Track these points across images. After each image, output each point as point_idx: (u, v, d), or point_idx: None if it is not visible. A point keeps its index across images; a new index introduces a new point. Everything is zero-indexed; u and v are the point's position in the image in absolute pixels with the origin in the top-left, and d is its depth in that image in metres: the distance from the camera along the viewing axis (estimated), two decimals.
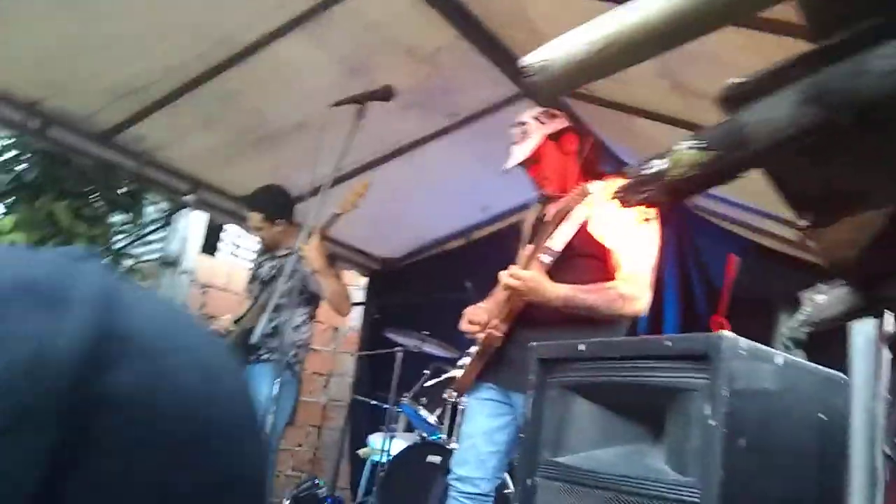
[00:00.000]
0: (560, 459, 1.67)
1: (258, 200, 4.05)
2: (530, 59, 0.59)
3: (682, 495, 1.40)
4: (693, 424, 1.42)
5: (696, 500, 1.36)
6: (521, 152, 2.62)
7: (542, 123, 2.64)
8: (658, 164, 0.59)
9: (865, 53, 0.53)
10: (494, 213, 5.49)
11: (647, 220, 2.50)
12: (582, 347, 1.70)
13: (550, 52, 0.57)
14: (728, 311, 3.78)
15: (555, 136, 2.66)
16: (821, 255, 0.93)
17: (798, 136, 0.55)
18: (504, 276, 2.43)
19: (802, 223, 0.76)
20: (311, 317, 4.00)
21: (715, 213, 4.45)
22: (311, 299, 3.95)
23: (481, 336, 2.56)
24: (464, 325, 2.68)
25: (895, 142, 0.56)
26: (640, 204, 0.60)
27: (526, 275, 2.37)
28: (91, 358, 0.36)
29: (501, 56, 3.98)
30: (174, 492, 0.38)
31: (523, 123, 2.66)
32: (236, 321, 3.89)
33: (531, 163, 2.65)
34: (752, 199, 4.13)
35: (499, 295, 2.61)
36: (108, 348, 0.37)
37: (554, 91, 0.59)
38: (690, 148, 0.58)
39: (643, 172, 0.59)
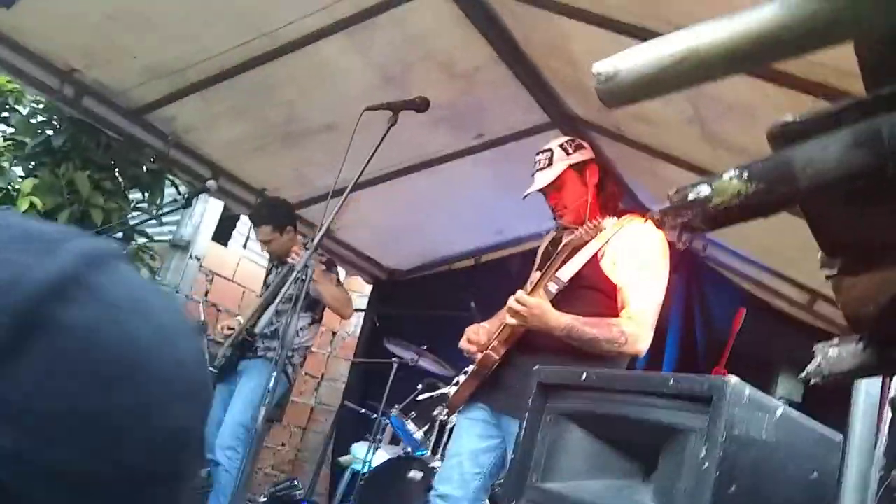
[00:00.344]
0: (548, 486, 1.67)
1: (264, 215, 4.13)
2: (601, 66, 0.60)
3: None
4: (686, 465, 1.42)
5: None
6: (543, 179, 2.64)
7: (567, 153, 2.66)
8: (701, 190, 0.60)
9: None
10: (508, 237, 5.51)
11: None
12: (584, 376, 1.71)
13: (622, 62, 0.59)
14: (728, 364, 3.79)
15: (578, 167, 2.68)
16: (841, 307, 0.94)
17: (845, 179, 0.56)
18: (510, 301, 2.44)
19: (829, 271, 0.78)
20: (315, 321, 4.03)
21: (726, 265, 4.46)
22: (312, 304, 3.99)
23: (479, 356, 2.57)
24: (463, 344, 2.69)
25: None
26: (678, 227, 0.61)
27: (531, 301, 2.37)
28: (54, 290, 0.42)
29: (536, 83, 4.02)
30: (94, 421, 0.42)
31: (548, 151, 2.68)
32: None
33: (552, 190, 2.67)
34: (764, 257, 4.14)
35: (502, 317, 2.62)
36: (73, 289, 0.43)
37: (619, 100, 0.60)
38: (735, 178, 0.59)
39: (686, 196, 0.61)
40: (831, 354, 1.02)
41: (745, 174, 0.59)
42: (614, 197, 2.72)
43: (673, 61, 0.56)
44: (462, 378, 2.75)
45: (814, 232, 0.67)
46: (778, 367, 4.03)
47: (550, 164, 2.64)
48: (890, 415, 1.27)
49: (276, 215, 4.05)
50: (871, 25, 0.49)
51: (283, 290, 2.69)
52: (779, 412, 1.48)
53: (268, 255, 4.40)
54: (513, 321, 2.45)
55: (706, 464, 1.37)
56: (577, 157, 2.69)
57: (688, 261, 4.42)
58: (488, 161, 4.66)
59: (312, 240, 2.96)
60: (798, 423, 1.54)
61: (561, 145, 2.68)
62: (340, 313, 4.00)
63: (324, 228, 3.20)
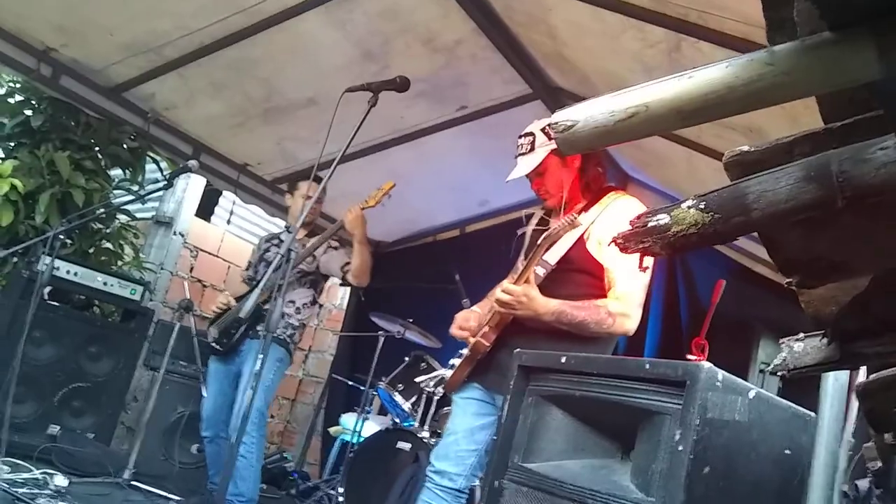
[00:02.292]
0: (529, 465, 1.72)
1: (315, 176, 4.08)
2: (559, 116, 0.62)
3: None
4: (662, 447, 1.47)
5: None
6: (525, 165, 2.64)
7: (549, 137, 2.65)
8: (661, 219, 0.63)
9: (868, 142, 0.57)
10: (492, 208, 5.52)
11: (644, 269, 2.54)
12: (564, 360, 1.75)
13: (577, 114, 0.61)
14: (710, 333, 3.85)
15: (560, 152, 2.67)
16: (803, 307, 0.98)
17: (796, 211, 0.59)
18: (498, 292, 2.47)
19: (787, 280, 0.81)
20: (314, 301, 4.04)
21: None
22: (315, 282, 3.99)
23: (471, 341, 2.60)
24: (454, 331, 2.72)
25: (879, 223, 0.60)
26: (639, 252, 0.64)
27: (518, 290, 2.40)
28: None
29: (517, 55, 4.01)
30: None
31: (530, 135, 2.68)
32: (237, 298, 3.93)
33: (535, 176, 2.67)
34: None
35: (492, 300, 2.65)
36: None
37: (576, 149, 0.63)
38: (692, 208, 0.62)
39: (646, 224, 0.63)
40: (796, 349, 1.06)
41: (703, 204, 0.62)
42: (597, 178, 2.72)
43: (625, 115, 0.58)
44: (457, 361, 2.79)
45: (769, 253, 0.69)
46: (759, 332, 4.09)
47: (532, 149, 2.64)
48: (856, 402, 1.31)
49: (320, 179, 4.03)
50: (809, 90, 0.52)
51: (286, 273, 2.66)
52: (751, 394, 1.52)
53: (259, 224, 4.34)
54: (501, 310, 2.47)
55: (681, 446, 1.42)
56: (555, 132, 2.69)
57: None
58: (471, 133, 4.66)
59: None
60: (771, 403, 1.58)
61: (543, 129, 2.67)
62: (359, 279, 3.96)
63: (310, 203, 3.24)
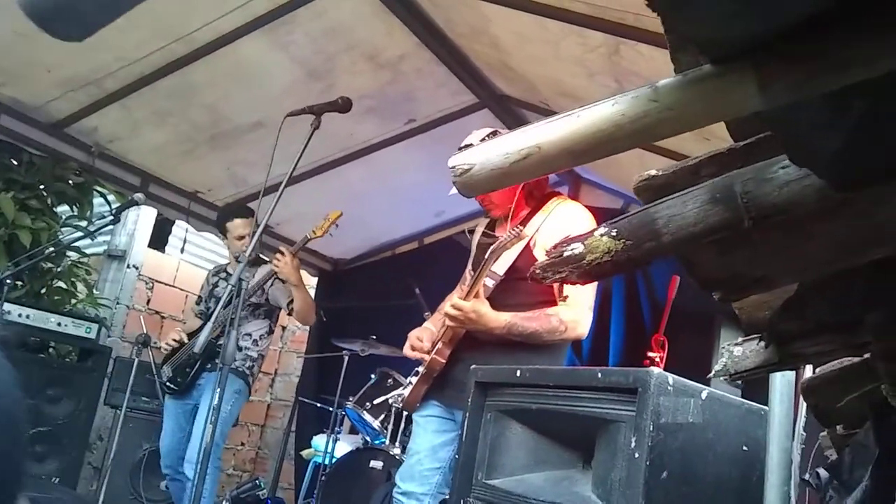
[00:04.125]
0: (493, 482, 1.71)
1: (244, 209, 4.07)
2: (456, 161, 0.62)
3: None
4: (619, 455, 1.47)
5: None
6: None
7: None
8: (576, 248, 0.63)
9: (769, 161, 0.57)
10: (448, 218, 5.53)
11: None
12: (519, 373, 1.75)
13: (473, 158, 0.61)
14: (671, 327, 3.89)
15: None
16: (738, 314, 0.99)
17: (705, 233, 0.59)
18: (447, 307, 2.47)
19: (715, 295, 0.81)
20: (271, 331, 4.01)
21: None
22: (269, 312, 3.96)
23: (426, 359, 2.59)
24: (407, 351, 2.71)
25: (789, 239, 0.61)
26: (557, 281, 0.64)
27: (466, 306, 2.40)
28: None
29: (462, 66, 4.02)
30: None
31: (470, 146, 2.68)
32: (190, 334, 3.89)
33: None
34: None
35: (443, 316, 2.65)
36: None
37: (475, 191, 0.63)
38: (605, 236, 0.62)
39: (562, 254, 0.63)
40: (736, 353, 1.07)
41: (615, 231, 0.62)
42: (540, 184, 2.74)
43: (519, 157, 0.58)
44: (414, 378, 2.78)
45: (687, 274, 0.70)
46: (720, 322, 4.14)
47: None
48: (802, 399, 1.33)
49: (251, 211, 4.02)
50: (694, 123, 0.52)
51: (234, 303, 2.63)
52: (704, 394, 1.54)
53: (225, 259, 4.32)
54: (452, 324, 2.47)
55: (637, 453, 1.43)
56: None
57: None
58: (421, 145, 4.66)
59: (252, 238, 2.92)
60: (724, 402, 1.60)
61: (482, 140, 2.68)
62: (305, 321, 3.98)
63: (261, 229, 3.20)
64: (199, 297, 4.18)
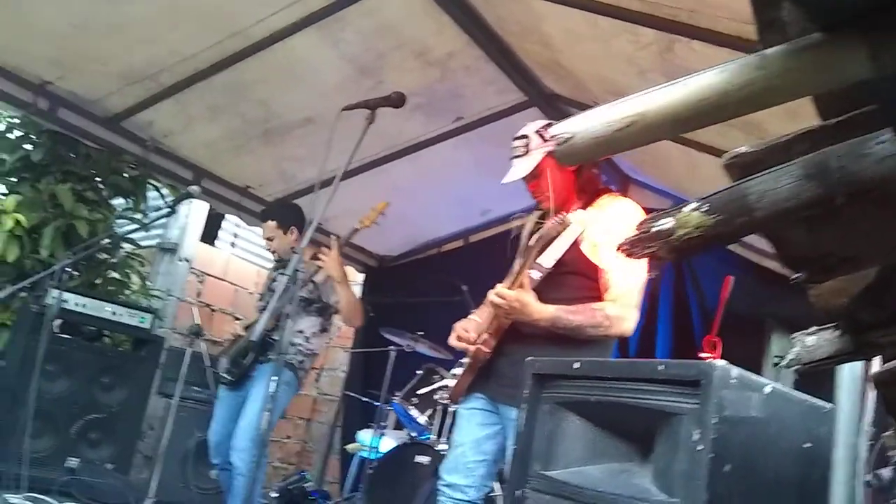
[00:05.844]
0: (550, 473, 1.71)
1: (272, 211, 4.14)
2: (557, 130, 0.63)
3: None
4: (681, 448, 1.46)
5: None
6: (521, 168, 2.63)
7: (544, 139, 2.65)
8: (665, 223, 0.63)
9: (865, 137, 0.57)
10: (494, 217, 5.53)
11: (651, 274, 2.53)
12: (577, 365, 1.75)
13: (574, 126, 0.61)
14: (721, 330, 3.84)
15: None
16: (814, 301, 0.98)
17: (798, 209, 0.59)
18: (491, 295, 2.46)
19: (794, 276, 0.81)
20: (324, 329, 4.02)
21: None
22: (322, 310, 3.98)
23: (471, 349, 2.59)
24: (452, 341, 2.71)
25: (883, 218, 0.60)
26: (645, 257, 0.64)
27: (511, 295, 2.38)
28: None
29: (511, 64, 4.03)
30: None
31: (525, 137, 2.67)
32: (246, 327, 3.94)
33: (531, 178, 2.66)
34: None
35: (487, 310, 2.64)
36: None
37: (575, 160, 0.63)
38: (696, 210, 0.62)
39: (650, 229, 0.63)
40: (809, 343, 1.06)
41: (706, 207, 0.62)
42: (592, 180, 2.71)
43: (622, 125, 0.58)
44: (459, 370, 2.78)
45: (776, 251, 0.70)
46: (771, 327, 4.08)
47: (527, 151, 2.64)
48: (871, 391, 1.31)
49: (283, 214, 4.06)
50: (801, 92, 0.52)
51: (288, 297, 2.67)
52: (767, 389, 1.52)
53: (272, 257, 4.38)
54: (496, 313, 2.47)
55: (700, 445, 1.41)
56: (554, 143, 2.67)
57: None
58: (469, 143, 4.67)
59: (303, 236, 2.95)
60: (787, 398, 1.58)
61: (537, 131, 2.67)
62: (350, 320, 3.99)
63: (314, 223, 3.22)
64: (261, 293, 4.25)
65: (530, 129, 2.68)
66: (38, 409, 3.55)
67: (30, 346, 3.72)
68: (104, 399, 4.22)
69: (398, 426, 4.96)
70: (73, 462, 3.96)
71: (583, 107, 4.09)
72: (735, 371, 1.45)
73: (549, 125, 2.71)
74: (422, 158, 4.84)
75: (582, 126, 0.61)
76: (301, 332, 3.88)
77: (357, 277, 6.31)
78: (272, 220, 4.02)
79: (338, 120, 2.72)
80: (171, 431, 4.19)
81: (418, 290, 5.53)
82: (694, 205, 0.63)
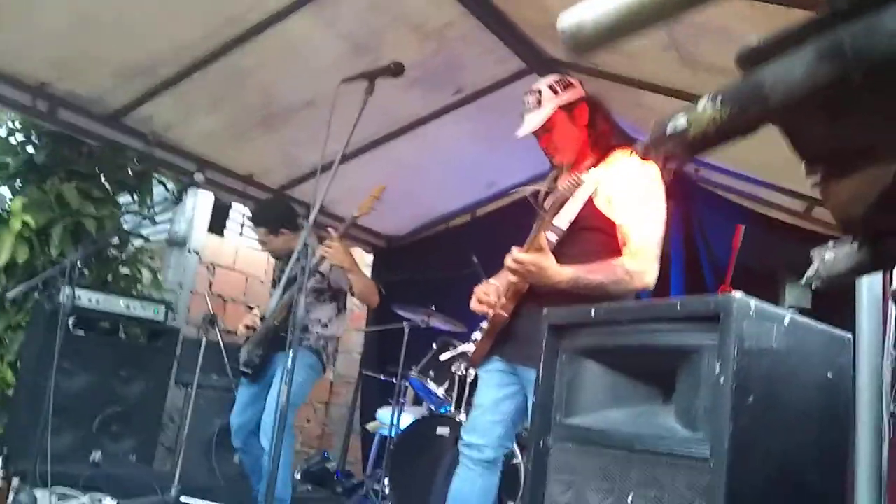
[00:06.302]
0: (572, 421, 1.72)
1: (259, 217, 4.15)
2: (564, 19, 0.62)
3: (692, 451, 1.45)
4: (703, 383, 1.46)
5: (706, 454, 1.41)
6: (533, 121, 2.62)
7: (556, 93, 2.63)
8: (678, 122, 0.63)
9: (879, 13, 0.56)
10: (500, 188, 5.52)
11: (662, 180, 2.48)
12: (594, 312, 1.75)
13: (583, 13, 0.61)
14: (734, 282, 3.84)
15: (568, 107, 2.64)
16: (830, 211, 0.97)
17: (813, 93, 0.58)
18: (507, 260, 2.45)
19: (813, 179, 0.80)
20: (340, 310, 4.04)
21: (721, 185, 4.49)
22: (335, 296, 4.00)
23: (490, 314, 2.59)
24: (474, 305, 2.70)
25: None
26: (662, 158, 0.64)
27: (527, 259, 2.36)
28: None
29: (509, 32, 4.00)
30: None
31: (537, 91, 2.66)
32: (261, 318, 3.96)
33: (543, 132, 2.65)
34: (757, 171, 4.16)
35: (505, 275, 2.64)
36: None
37: (586, 48, 0.63)
38: (708, 105, 0.62)
39: (664, 130, 0.63)
40: (828, 258, 1.05)
41: (718, 99, 0.62)
42: (605, 135, 2.68)
43: (639, 4, 0.57)
44: (478, 335, 2.79)
45: (792, 146, 0.69)
46: (783, 277, 4.08)
47: (539, 105, 2.62)
48: (894, 309, 1.30)
49: (268, 218, 4.06)
50: None
51: (303, 282, 2.67)
52: (786, 320, 1.52)
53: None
54: (514, 279, 2.47)
55: (722, 379, 1.41)
56: (566, 97, 2.64)
57: (682, 186, 4.45)
58: (470, 116, 4.65)
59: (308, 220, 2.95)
60: (807, 328, 1.58)
61: (550, 85, 2.65)
62: (368, 302, 4.02)
63: (317, 207, 3.22)
64: (273, 280, 4.28)
65: (542, 83, 2.67)
66: (59, 406, 3.59)
67: (46, 344, 3.76)
68: (123, 392, 4.26)
69: (417, 401, 4.98)
70: (96, 455, 4.00)
71: (582, 70, 4.07)
72: (754, 303, 1.45)
73: (560, 80, 2.69)
74: (424, 134, 4.82)
75: (591, 13, 0.60)
76: (318, 320, 3.89)
77: (367, 258, 6.32)
78: (260, 226, 4.05)
79: (337, 96, 2.71)
80: (191, 420, 4.22)
81: (428, 265, 5.54)
82: (706, 100, 0.62)
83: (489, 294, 2.63)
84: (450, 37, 3.99)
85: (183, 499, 3.90)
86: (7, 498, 3.41)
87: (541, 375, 1.82)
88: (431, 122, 4.74)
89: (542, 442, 1.76)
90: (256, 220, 4.15)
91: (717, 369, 1.42)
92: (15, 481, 3.66)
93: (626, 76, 3.84)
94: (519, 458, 3.62)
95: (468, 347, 4.10)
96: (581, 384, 1.74)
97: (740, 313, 1.42)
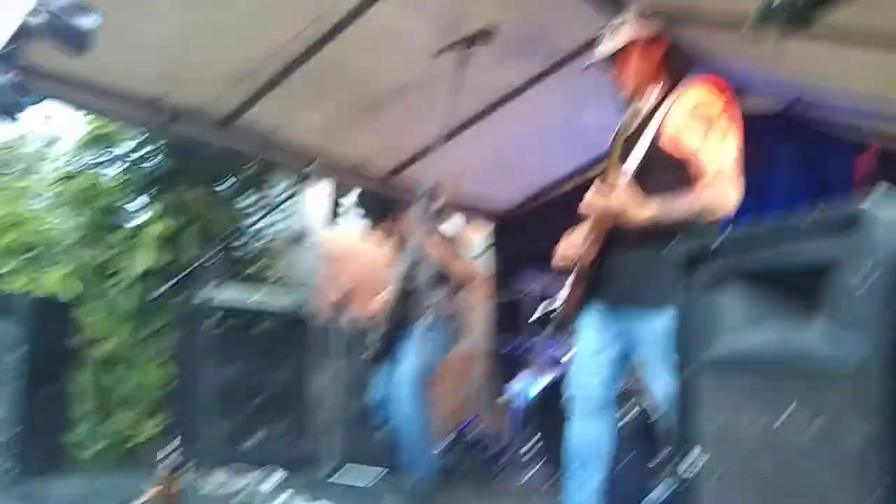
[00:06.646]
0: (716, 347, 1.69)
1: (361, 209, 4.36)
2: None
3: (838, 368, 1.40)
4: (848, 294, 1.40)
5: (856, 368, 1.36)
6: (606, 48, 2.59)
7: (634, 27, 2.60)
8: None
9: None
10: (602, 151, 5.42)
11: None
12: (717, 243, 1.72)
13: None
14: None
15: (642, 42, 2.59)
16: None
17: None
18: (583, 205, 2.45)
19: None
20: (455, 291, 4.11)
21: (836, 123, 4.24)
22: (444, 278, 4.07)
23: (575, 260, 2.59)
24: (557, 262, 2.71)
25: None
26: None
27: (601, 201, 2.41)
28: None
29: None
30: None
31: (615, 24, 2.63)
32: (386, 302, 4.09)
33: (613, 62, 2.62)
34: (876, 100, 3.88)
35: (584, 224, 2.62)
36: None
37: None
38: None
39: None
40: None
41: None
42: (680, 72, 2.60)
43: None
44: (565, 291, 2.78)
45: None
46: None
47: (615, 36, 2.60)
48: None
49: (367, 214, 4.25)
50: None
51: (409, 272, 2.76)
52: None
53: None
54: (595, 222, 2.48)
55: (868, 288, 1.35)
56: (643, 32, 2.59)
57: (794, 130, 4.29)
58: (565, 80, 4.58)
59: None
60: None
61: (627, 19, 2.61)
62: (465, 285, 4.11)
63: (428, 191, 3.26)
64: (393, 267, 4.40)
65: (622, 16, 2.64)
66: (213, 398, 3.85)
67: (192, 342, 4.02)
68: (269, 379, 4.55)
69: (551, 364, 4.99)
70: (258, 436, 4.38)
71: (674, 19, 3.93)
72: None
73: (643, 13, 2.64)
74: (520, 105, 4.82)
75: None
76: (438, 299, 3.97)
77: (481, 235, 6.37)
78: (365, 218, 4.20)
79: (430, 76, 2.73)
80: (336, 400, 4.42)
81: (545, 235, 5.52)
82: None
83: (570, 247, 2.63)
84: (533, 3, 3.95)
85: (348, 465, 4.13)
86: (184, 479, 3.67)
87: (677, 312, 1.80)
88: (526, 92, 4.73)
89: (686, 373, 1.74)
90: (360, 212, 4.31)
91: (862, 278, 1.36)
92: (191, 463, 3.95)
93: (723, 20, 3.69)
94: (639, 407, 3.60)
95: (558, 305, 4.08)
96: (718, 312, 1.71)
97: (883, 221, 1.35)
